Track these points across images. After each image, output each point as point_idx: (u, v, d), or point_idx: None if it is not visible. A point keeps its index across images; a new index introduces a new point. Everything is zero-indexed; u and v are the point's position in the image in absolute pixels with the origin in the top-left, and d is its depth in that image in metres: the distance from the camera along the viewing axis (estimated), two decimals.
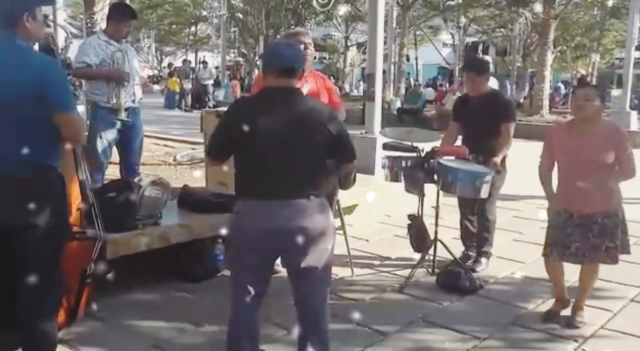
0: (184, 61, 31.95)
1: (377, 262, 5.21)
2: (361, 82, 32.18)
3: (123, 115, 5.08)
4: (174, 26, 39.90)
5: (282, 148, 2.85)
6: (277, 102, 2.90)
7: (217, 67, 31.47)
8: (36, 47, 3.53)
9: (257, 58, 31.05)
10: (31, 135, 2.78)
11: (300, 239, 2.88)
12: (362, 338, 3.74)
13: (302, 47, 4.15)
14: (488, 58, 6.75)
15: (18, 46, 2.79)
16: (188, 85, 23.93)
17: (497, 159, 4.61)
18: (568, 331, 3.90)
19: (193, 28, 40.08)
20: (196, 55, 41.22)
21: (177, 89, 23.68)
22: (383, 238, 5.90)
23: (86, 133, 4.16)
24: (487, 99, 4.81)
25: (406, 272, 4.81)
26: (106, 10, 7.60)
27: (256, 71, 29.24)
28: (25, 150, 2.75)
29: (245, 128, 2.84)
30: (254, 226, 2.90)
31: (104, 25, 7.40)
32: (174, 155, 8.81)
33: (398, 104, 19.60)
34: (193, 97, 23.78)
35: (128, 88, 5.10)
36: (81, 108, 5.31)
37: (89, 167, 3.69)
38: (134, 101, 5.20)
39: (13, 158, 2.77)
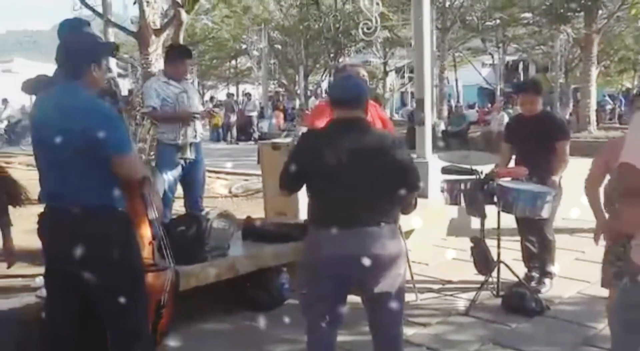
0: (228, 95, 32.54)
1: (439, 286, 5.23)
2: (401, 107, 32.28)
3: (188, 154, 5.27)
4: (215, 60, 40.73)
5: (351, 177, 2.94)
6: (344, 133, 3.00)
7: (257, 99, 31.98)
8: None
9: (297, 88, 31.51)
10: (92, 178, 2.93)
11: (372, 266, 2.95)
12: None
13: None
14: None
15: (76, 94, 2.95)
16: (233, 118, 24.36)
17: (556, 178, 4.63)
18: None
19: (233, 61, 40.83)
20: (237, 87, 41.96)
21: (220, 123, 24.11)
22: (442, 262, 5.91)
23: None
24: (541, 118, 4.86)
25: (469, 295, 4.82)
26: (160, 51, 7.93)
27: (297, 101, 29.64)
28: (83, 193, 2.93)
29: (313, 159, 2.97)
30: (327, 254, 2.98)
31: (157, 65, 7.71)
32: (229, 187, 8.98)
33: (442, 127, 19.57)
34: (238, 129, 24.19)
35: (191, 125, 5.28)
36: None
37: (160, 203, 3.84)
38: (195, 136, 5.39)
39: (73, 201, 2.93)
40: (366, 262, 2.94)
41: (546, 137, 4.76)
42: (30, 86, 3.87)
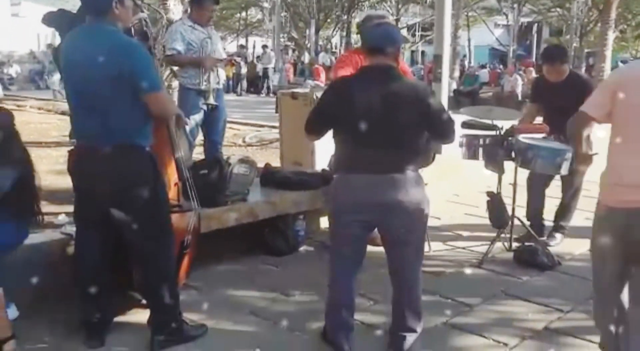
0: (241, 46, 32.29)
1: (451, 239, 5.31)
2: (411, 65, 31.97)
3: (212, 99, 5.31)
4: (225, 11, 40.27)
5: (379, 124, 2.98)
6: (375, 80, 3.03)
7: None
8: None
9: (307, 42, 31.22)
10: (117, 115, 2.99)
11: (396, 211, 3.02)
12: (447, 309, 3.86)
13: None
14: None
15: (106, 31, 3.00)
16: (244, 70, 24.22)
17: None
18: None
19: (244, 13, 40.37)
20: (247, 40, 41.56)
21: (230, 75, 24.00)
22: (454, 216, 5.99)
23: None
24: (568, 81, 4.83)
25: (481, 248, 4.90)
26: None
27: (306, 55, 29.40)
28: (114, 131, 2.98)
29: (344, 105, 3.00)
30: (353, 199, 3.05)
31: (176, 10, 7.66)
32: (243, 137, 9.03)
33: (454, 86, 19.48)
34: (248, 81, 24.10)
35: (213, 71, 5.31)
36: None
37: (186, 145, 3.89)
38: (218, 82, 5.42)
39: (104, 139, 2.99)
40: (390, 207, 3.01)
41: (574, 98, 4.72)
42: (52, 19, 3.87)
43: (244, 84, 23.78)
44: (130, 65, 2.94)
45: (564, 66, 4.92)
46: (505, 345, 3.43)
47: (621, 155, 2.76)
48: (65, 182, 5.02)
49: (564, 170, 4.52)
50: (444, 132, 3.15)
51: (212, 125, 5.52)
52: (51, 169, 6.30)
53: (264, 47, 26.34)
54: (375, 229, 3.26)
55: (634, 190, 2.67)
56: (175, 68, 5.11)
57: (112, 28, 3.02)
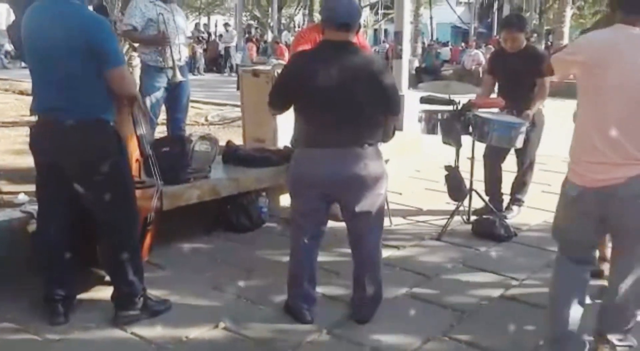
0: (204, 25, 31.88)
1: (412, 213, 5.42)
2: (373, 43, 31.99)
3: (178, 76, 5.28)
4: None
5: (338, 98, 3.03)
6: (334, 55, 3.07)
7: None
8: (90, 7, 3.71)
9: (270, 21, 30.96)
10: (82, 89, 2.99)
11: (355, 185, 3.09)
12: (407, 280, 3.97)
13: None
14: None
15: (72, 5, 2.99)
16: (199, 49, 23.93)
17: (530, 112, 4.78)
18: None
19: None
20: (208, 18, 41.00)
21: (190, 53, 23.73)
22: (415, 191, 6.09)
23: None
24: (524, 53, 4.93)
25: (441, 222, 5.01)
26: None
27: (269, 33, 29.17)
28: (79, 105, 2.99)
29: (304, 79, 3.04)
30: (313, 173, 3.11)
31: None
32: (205, 116, 8.99)
33: (416, 64, 19.60)
34: (207, 60, 23.84)
35: (174, 48, 5.26)
36: None
37: (146, 122, 3.89)
38: (180, 60, 5.37)
39: (68, 113, 2.99)
40: (350, 181, 3.08)
41: (528, 72, 4.84)
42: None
43: (202, 62, 23.51)
44: (97, 40, 2.95)
45: (521, 35, 5.00)
46: (462, 312, 3.54)
47: (598, 133, 2.66)
48: (24, 161, 5.00)
49: (519, 143, 4.65)
50: (393, 106, 3.22)
51: (175, 102, 5.49)
52: (9, 149, 6.23)
53: (226, 25, 26.08)
54: (337, 205, 3.33)
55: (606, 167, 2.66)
56: (136, 44, 5.04)
57: (77, 2, 3.01)
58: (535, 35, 24.87)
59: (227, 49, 23.53)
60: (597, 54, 2.63)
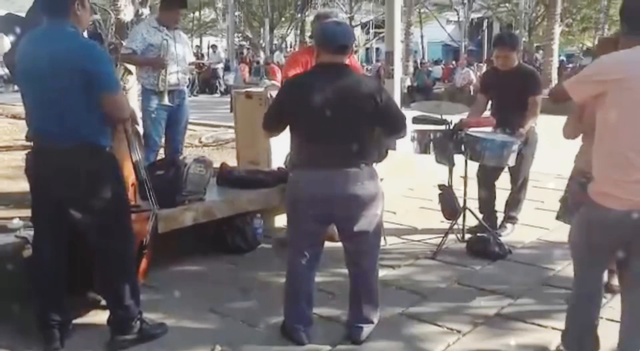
0: (196, 47, 32.02)
1: (407, 232, 5.43)
2: (365, 62, 32.25)
3: (166, 100, 5.33)
4: None
5: (335, 121, 3.07)
6: (330, 78, 3.12)
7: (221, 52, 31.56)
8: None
9: (262, 41, 31.16)
10: (78, 115, 3.01)
11: (353, 205, 3.11)
12: (403, 299, 3.98)
13: None
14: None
15: (68, 33, 3.02)
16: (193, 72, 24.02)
17: (523, 130, 4.82)
18: None
19: (197, 13, 40.05)
20: (201, 40, 41.20)
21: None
22: (409, 210, 6.11)
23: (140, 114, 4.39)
24: (516, 72, 4.98)
25: (436, 241, 5.03)
26: None
27: (262, 54, 29.34)
28: (74, 131, 3.01)
29: (301, 103, 3.08)
30: (310, 194, 3.14)
31: (127, 11, 7.61)
32: (199, 138, 9.02)
33: (408, 82, 19.74)
34: (200, 81, 23.90)
35: (172, 73, 5.33)
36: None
37: (141, 146, 3.91)
38: (178, 84, 5.45)
39: (64, 138, 3.01)
40: (347, 201, 3.10)
41: (520, 91, 4.89)
42: (0, 23, 3.86)
43: (195, 84, 23.58)
44: (93, 67, 2.97)
45: (513, 53, 5.03)
46: (459, 331, 3.55)
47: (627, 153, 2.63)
48: (18, 186, 5.00)
49: (511, 161, 4.70)
50: (396, 127, 3.25)
51: (174, 125, 5.57)
52: (2, 174, 6.22)
53: (213, 47, 26.23)
54: (333, 225, 3.36)
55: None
56: (132, 68, 5.11)
57: (73, 30, 3.05)
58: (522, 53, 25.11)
59: (214, 71, 23.60)
60: (636, 70, 2.61)
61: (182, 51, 5.53)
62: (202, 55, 27.86)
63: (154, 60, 5.29)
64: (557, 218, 3.97)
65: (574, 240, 3.02)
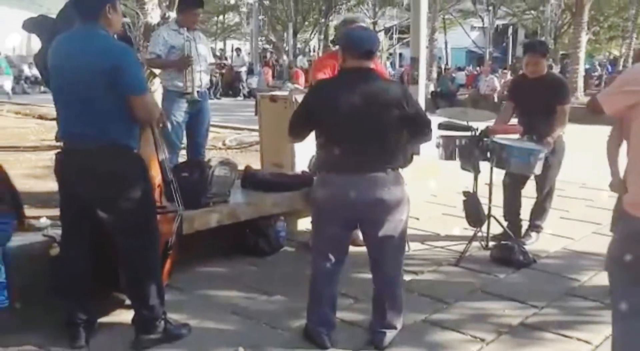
0: (220, 50, 32.21)
1: (430, 238, 5.41)
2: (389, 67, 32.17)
3: (196, 95, 5.39)
4: (202, 14, 40.11)
5: (361, 125, 3.08)
6: (356, 82, 3.12)
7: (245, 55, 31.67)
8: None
9: (285, 45, 31.26)
10: (106, 116, 3.04)
11: (379, 209, 3.11)
12: (425, 306, 3.95)
13: None
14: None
15: (99, 35, 3.06)
16: (216, 75, 24.12)
17: (551, 139, 4.78)
18: None
19: (221, 16, 40.32)
20: (224, 43, 41.46)
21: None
22: (432, 216, 6.08)
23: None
24: (545, 80, 4.94)
25: (459, 247, 5.00)
26: (156, 0, 7.90)
27: (285, 57, 29.45)
28: (103, 132, 3.04)
29: (327, 107, 3.09)
30: (338, 199, 3.13)
31: (154, 14, 7.69)
32: (223, 140, 9.07)
33: (431, 88, 19.67)
34: (223, 85, 24.04)
35: (195, 73, 5.38)
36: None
37: (168, 148, 3.95)
38: (201, 86, 5.49)
39: (93, 139, 3.05)
40: (372, 206, 3.10)
41: (549, 99, 4.86)
42: (33, 25, 3.90)
43: (219, 87, 23.70)
44: (122, 69, 3.01)
45: (543, 60, 4.98)
46: (482, 340, 3.52)
47: None
48: (46, 185, 5.07)
49: (538, 169, 4.65)
50: (422, 131, 3.25)
51: (196, 127, 5.60)
52: (30, 173, 6.30)
53: (237, 50, 26.38)
54: (357, 229, 3.35)
55: None
56: (158, 71, 5.16)
57: (104, 32, 3.08)
58: (551, 60, 24.90)
59: (238, 74, 23.70)
60: None
61: (203, 52, 5.59)
62: (226, 58, 28.06)
63: (178, 61, 5.35)
64: (611, 229, 3.87)
65: (611, 255, 2.69)
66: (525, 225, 5.40)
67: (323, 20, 31.09)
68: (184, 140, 5.70)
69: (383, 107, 3.09)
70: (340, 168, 3.11)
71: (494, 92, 18.66)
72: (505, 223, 5.21)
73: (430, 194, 6.80)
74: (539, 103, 4.85)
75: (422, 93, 7.57)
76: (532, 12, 30.85)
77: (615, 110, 2.71)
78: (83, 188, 3.12)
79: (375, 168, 3.10)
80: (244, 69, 24.09)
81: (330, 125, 3.11)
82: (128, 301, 3.56)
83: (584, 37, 19.17)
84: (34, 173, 6.11)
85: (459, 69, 28.99)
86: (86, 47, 3.00)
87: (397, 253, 3.31)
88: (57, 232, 3.75)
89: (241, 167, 5.33)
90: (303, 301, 3.50)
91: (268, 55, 33.66)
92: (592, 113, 2.85)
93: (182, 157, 5.75)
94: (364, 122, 3.06)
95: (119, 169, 3.10)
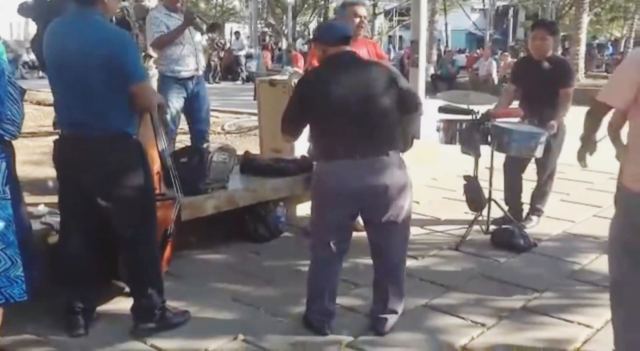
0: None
1: (430, 223, 5.38)
2: (390, 50, 31.99)
3: (191, 86, 5.34)
4: None
5: (358, 108, 3.04)
6: (342, 66, 3.11)
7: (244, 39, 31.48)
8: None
9: (284, 28, 31.07)
10: (105, 103, 3.01)
11: (382, 195, 3.07)
12: (426, 291, 3.93)
13: (357, 19, 4.57)
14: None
15: (96, 21, 3.01)
16: (215, 58, 23.97)
17: (554, 123, 4.73)
18: None
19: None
20: (223, 26, 41.20)
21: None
22: (432, 201, 6.06)
23: None
24: (550, 63, 4.89)
25: (459, 232, 4.98)
26: None
27: (284, 41, 29.27)
28: (102, 119, 3.01)
29: (320, 94, 3.07)
30: (341, 186, 3.09)
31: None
32: (221, 125, 9.01)
33: (431, 71, 19.54)
34: (222, 68, 23.88)
35: (189, 56, 5.33)
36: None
37: (166, 134, 3.91)
38: (197, 69, 5.43)
39: (91, 126, 3.02)
40: (375, 191, 3.07)
41: (552, 82, 4.81)
42: (29, 9, 3.86)
43: (217, 71, 23.56)
44: (121, 55, 2.97)
45: (550, 38, 4.92)
46: (483, 325, 3.50)
47: None
48: (44, 172, 5.04)
49: (539, 153, 4.62)
50: (413, 105, 3.25)
51: (196, 114, 5.55)
52: (28, 159, 6.25)
53: (236, 33, 26.17)
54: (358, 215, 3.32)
55: None
56: (154, 56, 5.11)
57: (100, 17, 3.04)
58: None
59: (237, 58, 23.52)
60: None
61: (196, 35, 5.53)
62: (225, 42, 27.84)
63: (181, 25, 5.27)
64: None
65: (612, 235, 2.67)
66: (526, 208, 5.38)
67: (323, 2, 30.92)
68: (181, 125, 5.66)
69: (376, 89, 3.08)
70: (341, 155, 3.06)
71: (490, 76, 18.51)
72: (506, 207, 5.18)
73: (431, 178, 6.77)
74: (542, 86, 4.80)
75: (422, 76, 7.49)
76: None
77: (626, 102, 2.58)
78: (81, 175, 3.09)
79: (376, 151, 3.07)
80: (242, 53, 23.90)
81: (325, 113, 3.08)
82: (127, 289, 3.55)
83: (586, 18, 18.99)
84: (31, 160, 6.06)
85: (460, 51, 28.77)
86: (83, 34, 2.96)
87: (401, 238, 3.29)
88: (55, 220, 3.72)
89: (240, 152, 5.30)
90: (303, 288, 3.48)
91: (267, 38, 33.47)
92: (597, 114, 2.77)
93: (181, 143, 5.70)
94: (358, 104, 3.03)
95: (118, 156, 3.07)
